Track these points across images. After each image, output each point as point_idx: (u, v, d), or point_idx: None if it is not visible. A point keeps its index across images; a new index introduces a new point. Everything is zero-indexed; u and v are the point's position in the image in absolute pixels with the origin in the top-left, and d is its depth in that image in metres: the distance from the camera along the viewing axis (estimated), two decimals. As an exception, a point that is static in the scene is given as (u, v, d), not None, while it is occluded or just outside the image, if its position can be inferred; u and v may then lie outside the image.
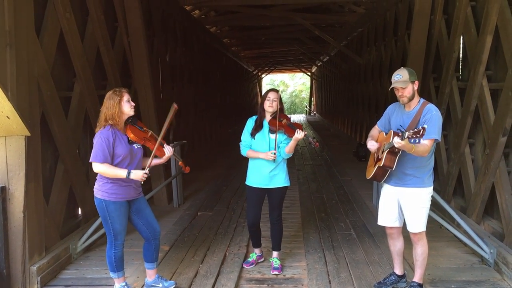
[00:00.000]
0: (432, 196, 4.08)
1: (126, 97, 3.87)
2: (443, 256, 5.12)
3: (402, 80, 3.78)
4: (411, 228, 3.98)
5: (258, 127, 4.54)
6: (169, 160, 4.28)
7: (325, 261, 5.00)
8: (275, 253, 4.86)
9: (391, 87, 3.86)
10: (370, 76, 12.73)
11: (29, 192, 4.37)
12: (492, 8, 5.15)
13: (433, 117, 3.72)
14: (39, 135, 4.64)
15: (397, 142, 3.47)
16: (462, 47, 6.30)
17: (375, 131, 4.20)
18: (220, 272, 4.74)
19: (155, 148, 3.90)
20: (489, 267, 4.79)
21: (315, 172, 10.62)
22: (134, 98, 4.03)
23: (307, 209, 7.22)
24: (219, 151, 13.46)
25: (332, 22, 15.75)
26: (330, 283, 4.44)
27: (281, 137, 4.44)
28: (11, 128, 4.14)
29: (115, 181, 3.85)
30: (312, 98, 41.22)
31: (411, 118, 3.83)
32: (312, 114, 39.51)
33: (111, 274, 4.11)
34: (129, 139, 3.89)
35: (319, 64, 27.49)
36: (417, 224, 3.94)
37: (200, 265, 4.91)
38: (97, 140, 3.79)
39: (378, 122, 4.22)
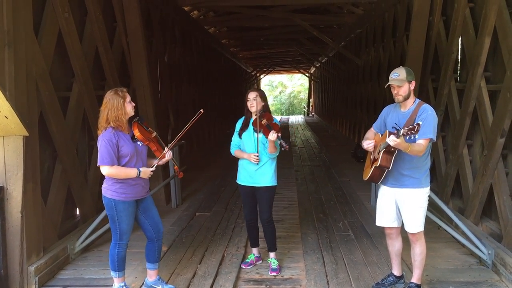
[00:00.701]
0: (430, 197, 4.09)
1: (128, 97, 3.89)
2: (441, 257, 5.12)
3: (399, 78, 3.80)
4: (409, 229, 3.99)
5: (244, 127, 4.62)
6: (167, 161, 4.29)
7: (323, 262, 4.99)
8: (272, 254, 4.86)
9: (387, 84, 3.88)
10: (369, 77, 12.74)
11: (27, 192, 4.36)
12: (490, 10, 5.16)
13: (428, 117, 3.74)
14: (37, 135, 4.63)
15: (392, 140, 3.48)
16: (461, 48, 6.31)
17: (370, 133, 4.20)
18: (218, 273, 4.74)
19: (162, 153, 3.98)
20: (487, 268, 4.80)
21: (313, 173, 10.62)
22: (132, 98, 4.03)
23: (305, 209, 7.22)
24: (218, 151, 13.46)
25: (330, 23, 15.76)
26: (328, 284, 4.44)
27: (264, 136, 4.48)
28: (9, 128, 4.13)
29: (124, 180, 3.86)
30: (311, 99, 41.27)
31: (406, 118, 3.85)
32: (310, 115, 39.54)
33: (112, 273, 4.10)
34: (134, 137, 3.89)
35: (317, 65, 27.50)
36: (415, 224, 3.95)
37: (198, 266, 4.90)
38: (101, 143, 3.78)
39: (373, 125, 4.22)
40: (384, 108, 4.19)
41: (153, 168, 3.95)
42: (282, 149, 4.39)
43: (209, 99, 15.32)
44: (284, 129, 24.79)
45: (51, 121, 5.05)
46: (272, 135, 4.26)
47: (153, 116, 7.46)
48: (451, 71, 6.35)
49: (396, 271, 4.31)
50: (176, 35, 11.13)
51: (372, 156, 4.01)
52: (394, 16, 9.64)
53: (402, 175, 3.91)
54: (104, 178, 3.95)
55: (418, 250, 4.04)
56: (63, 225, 5.44)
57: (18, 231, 4.29)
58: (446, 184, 6.39)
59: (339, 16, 14.22)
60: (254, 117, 4.52)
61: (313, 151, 14.75)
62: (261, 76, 37.81)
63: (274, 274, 4.72)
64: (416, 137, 3.45)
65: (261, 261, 5.03)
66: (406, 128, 3.43)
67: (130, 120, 3.95)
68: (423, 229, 3.99)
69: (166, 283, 4.36)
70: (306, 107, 43.47)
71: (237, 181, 4.77)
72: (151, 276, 4.27)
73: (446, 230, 5.42)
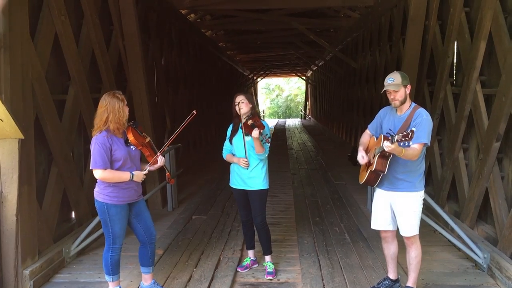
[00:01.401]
0: (426, 201, 4.10)
1: (125, 101, 3.89)
2: (436, 261, 5.13)
3: (394, 83, 3.82)
4: (404, 232, 4.00)
5: (234, 132, 4.68)
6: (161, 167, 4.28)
7: (319, 265, 4.99)
8: (267, 257, 4.86)
9: (383, 90, 3.89)
10: (365, 81, 12.77)
11: (22, 195, 4.35)
12: (485, 14, 5.18)
13: (423, 121, 3.76)
14: (33, 138, 4.62)
15: (387, 145, 3.51)
16: (456, 52, 6.33)
17: (366, 136, 4.21)
18: (214, 276, 4.72)
19: (154, 158, 3.98)
20: (482, 272, 4.80)
21: (310, 176, 10.62)
22: (128, 102, 4.02)
23: (301, 213, 7.22)
24: (214, 154, 13.35)
25: (327, 27, 15.83)
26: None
27: (252, 139, 4.50)
28: (4, 131, 4.12)
29: (116, 184, 3.86)
30: (307, 103, 41.33)
31: (402, 122, 3.87)
32: (307, 118, 39.58)
33: (106, 277, 4.09)
34: (127, 141, 3.89)
35: (314, 69, 27.57)
36: (410, 228, 3.96)
37: (194, 269, 4.89)
38: (94, 146, 3.77)
39: (369, 126, 4.24)
40: (381, 110, 4.21)
41: (146, 172, 3.96)
42: (264, 141, 4.44)
43: (206, 102, 15.33)
44: (281, 132, 24.81)
45: (47, 124, 5.04)
46: (254, 132, 4.32)
47: (149, 119, 7.45)
48: (447, 75, 6.37)
49: (392, 275, 4.31)
50: (173, 38, 11.14)
51: (367, 160, 4.03)
52: (390, 20, 9.67)
53: (396, 178, 3.92)
54: None
55: (414, 254, 4.04)
56: (59, 228, 5.42)
57: (13, 234, 4.28)
58: (442, 187, 6.41)
59: (335, 20, 14.27)
60: (243, 121, 4.54)
61: (310, 154, 14.75)
62: (258, 79, 37.84)
63: (270, 277, 4.71)
64: (410, 142, 3.46)
65: (257, 265, 5.03)
66: (400, 134, 3.45)
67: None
68: (418, 233, 4.00)
69: (162, 286, 4.35)
70: (303, 110, 43.52)
71: (230, 184, 4.81)
72: (146, 280, 4.26)
73: (442, 234, 5.42)
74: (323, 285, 4.49)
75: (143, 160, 4.08)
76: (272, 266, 4.82)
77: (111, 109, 3.78)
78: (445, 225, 5.48)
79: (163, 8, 9.71)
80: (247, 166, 4.53)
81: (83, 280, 4.74)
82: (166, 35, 10.46)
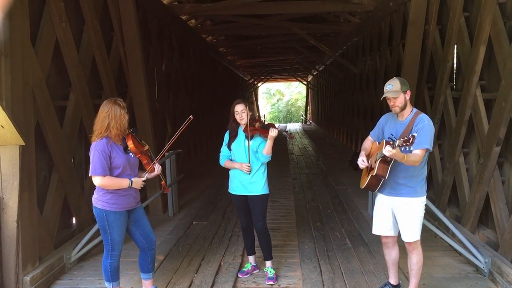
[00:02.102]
0: (427, 206, 4.10)
1: (125, 108, 3.89)
2: (438, 266, 5.12)
3: (393, 90, 3.82)
4: (405, 238, 3.99)
5: (233, 138, 4.64)
6: (164, 170, 4.30)
7: (320, 271, 4.98)
8: (268, 263, 4.84)
9: (383, 97, 3.90)
10: (366, 85, 12.78)
11: (23, 201, 4.35)
12: (485, 19, 5.19)
13: (425, 127, 3.76)
14: (33, 144, 4.63)
15: (388, 150, 3.50)
16: (456, 57, 6.35)
17: (368, 142, 4.22)
18: (215, 282, 4.72)
19: (151, 166, 3.98)
20: (483, 276, 4.80)
21: (310, 181, 10.61)
22: (129, 107, 4.04)
23: (302, 218, 7.21)
24: (215, 160, 13.29)
25: (327, 32, 15.83)
26: (325, 293, 4.44)
27: (256, 142, 4.52)
28: (5, 137, 4.13)
29: (115, 191, 3.86)
30: (308, 107, 41.32)
31: (403, 128, 3.87)
32: (308, 123, 39.58)
33: (106, 284, 4.09)
34: (127, 148, 3.90)
35: (314, 73, 27.58)
36: (411, 233, 3.95)
37: (195, 275, 4.89)
38: (94, 153, 3.78)
39: (371, 133, 4.24)
40: (382, 116, 4.21)
41: (144, 178, 3.97)
42: (288, 138, 4.57)
43: (206, 108, 15.34)
44: (282, 137, 24.75)
45: (47, 130, 5.05)
46: (273, 131, 4.33)
47: (150, 125, 7.46)
48: (447, 79, 6.38)
49: (393, 280, 4.30)
50: (174, 44, 11.16)
51: (369, 165, 4.03)
52: (390, 25, 9.69)
53: (398, 184, 3.92)
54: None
55: (415, 259, 4.04)
56: (59, 234, 5.42)
57: (14, 240, 4.28)
58: (442, 192, 6.40)
59: (335, 24, 14.29)
60: (243, 127, 4.54)
61: (311, 159, 14.74)
62: (259, 84, 37.87)
63: (271, 283, 4.70)
64: (411, 148, 3.46)
65: (257, 270, 5.02)
66: (401, 139, 3.44)
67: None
68: (419, 238, 4.00)
69: (163, 293, 4.34)
70: (303, 115, 43.53)
71: (229, 190, 4.78)
72: (147, 286, 4.25)
73: (443, 239, 5.41)
74: (324, 291, 4.48)
75: (142, 168, 4.09)
76: (272, 271, 4.81)
77: (112, 115, 3.79)
78: (446, 229, 5.48)
79: (164, 14, 9.74)
80: (249, 171, 4.52)
81: (84, 286, 4.74)
82: (166, 40, 10.48)
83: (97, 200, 3.91)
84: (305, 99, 44.36)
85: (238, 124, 4.58)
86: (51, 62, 5.26)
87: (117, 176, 3.84)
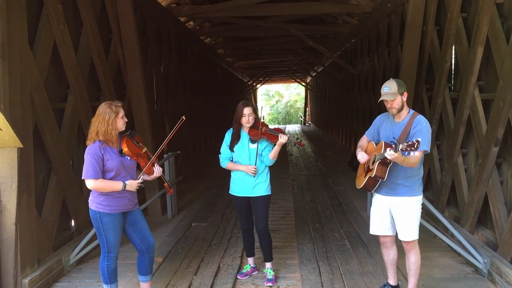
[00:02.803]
0: (426, 206, 4.11)
1: (121, 113, 3.84)
2: (437, 266, 5.12)
3: (390, 92, 3.83)
4: (403, 237, 4.00)
5: (236, 140, 4.60)
6: (163, 172, 4.28)
7: (319, 272, 4.98)
8: (268, 264, 4.84)
9: (380, 100, 3.90)
10: (364, 86, 12.78)
11: (22, 204, 4.35)
12: (483, 20, 5.20)
13: (423, 129, 3.78)
14: (32, 146, 4.63)
15: (390, 154, 3.52)
16: (454, 57, 6.36)
17: (363, 141, 4.25)
18: (214, 284, 4.72)
19: (146, 167, 3.94)
20: (482, 277, 4.80)
21: (309, 182, 10.62)
22: (128, 110, 4.03)
23: (301, 219, 7.21)
24: (214, 161, 13.30)
25: (326, 33, 15.86)
26: (324, 294, 4.44)
27: (262, 145, 4.52)
28: (3, 139, 4.13)
29: (109, 193, 3.84)
30: (307, 108, 41.34)
31: (401, 129, 3.88)
32: (307, 124, 39.59)
33: (104, 286, 4.08)
34: (122, 151, 3.88)
35: (313, 75, 27.59)
36: (409, 232, 3.96)
37: (194, 277, 4.88)
38: (86, 156, 3.77)
39: (366, 132, 4.26)
40: (378, 117, 4.22)
41: (140, 180, 3.92)
42: (297, 146, 4.58)
43: (205, 109, 15.34)
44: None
45: (46, 132, 5.04)
46: (283, 138, 4.34)
47: (149, 127, 7.45)
48: (445, 80, 6.39)
49: (392, 281, 4.31)
50: (172, 45, 11.16)
51: (366, 166, 4.03)
52: (388, 26, 9.70)
53: (396, 184, 3.94)
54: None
55: (413, 259, 4.04)
56: (58, 236, 5.41)
57: (12, 243, 4.28)
58: (441, 192, 6.41)
59: (334, 26, 14.31)
60: (246, 129, 4.54)
61: (310, 160, 14.75)
62: (258, 85, 37.88)
63: (270, 284, 4.70)
64: (416, 153, 3.49)
65: (257, 272, 5.02)
66: (405, 143, 3.45)
67: (122, 133, 3.94)
68: (417, 237, 4.00)
69: (161, 294, 4.34)
70: (302, 116, 43.54)
71: (230, 192, 4.75)
72: (145, 288, 4.25)
73: (441, 239, 5.42)
74: (323, 292, 4.48)
75: (140, 170, 4.06)
76: (272, 273, 4.80)
77: (100, 119, 3.76)
78: (445, 230, 5.48)
79: (162, 16, 9.75)
80: (255, 174, 4.51)
81: (83, 288, 4.74)
82: (165, 42, 10.48)
83: (91, 202, 3.91)
84: (304, 101, 44.37)
85: (241, 126, 4.57)
86: (49, 65, 5.26)
87: (111, 179, 3.82)
